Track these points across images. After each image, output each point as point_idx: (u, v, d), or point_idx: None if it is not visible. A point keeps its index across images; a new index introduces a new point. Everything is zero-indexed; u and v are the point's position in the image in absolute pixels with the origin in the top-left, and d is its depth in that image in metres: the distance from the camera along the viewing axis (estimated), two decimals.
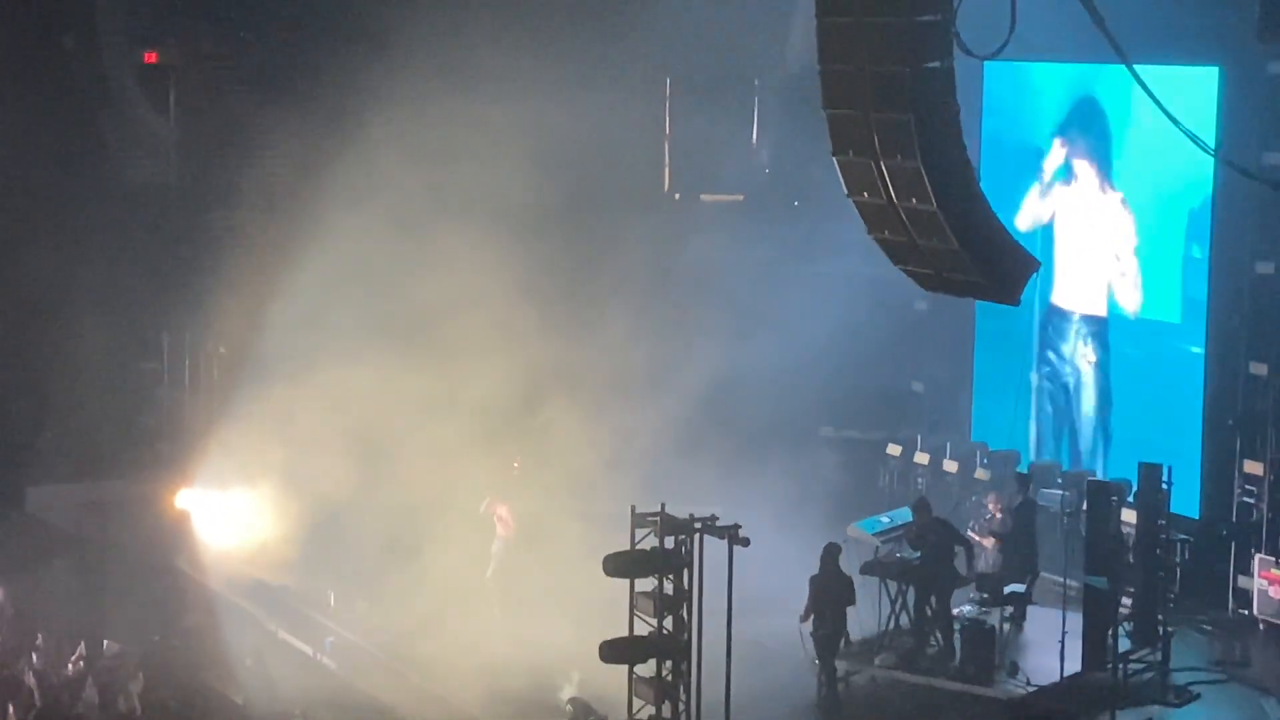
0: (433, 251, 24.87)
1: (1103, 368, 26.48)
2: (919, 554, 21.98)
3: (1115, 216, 25.98)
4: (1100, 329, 26.46)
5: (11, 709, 20.41)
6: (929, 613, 21.88)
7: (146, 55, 32.12)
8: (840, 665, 21.67)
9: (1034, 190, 26.99)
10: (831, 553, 21.36)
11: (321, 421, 25.04)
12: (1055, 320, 27.07)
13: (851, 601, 21.37)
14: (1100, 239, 26.21)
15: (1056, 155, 26.80)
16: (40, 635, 22.72)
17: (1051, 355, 27.17)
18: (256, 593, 25.31)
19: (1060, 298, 26.99)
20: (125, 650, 22.36)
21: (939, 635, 21.74)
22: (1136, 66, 14.54)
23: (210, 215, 29.73)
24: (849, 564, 21.98)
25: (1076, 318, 26.77)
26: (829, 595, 21.26)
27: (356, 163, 25.73)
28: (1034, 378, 27.38)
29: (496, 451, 24.89)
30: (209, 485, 26.52)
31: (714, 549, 18.04)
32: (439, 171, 25.23)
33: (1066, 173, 26.67)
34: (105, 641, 22.65)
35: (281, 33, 30.68)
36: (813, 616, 21.25)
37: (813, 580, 21.28)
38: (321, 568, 24.95)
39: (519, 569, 23.84)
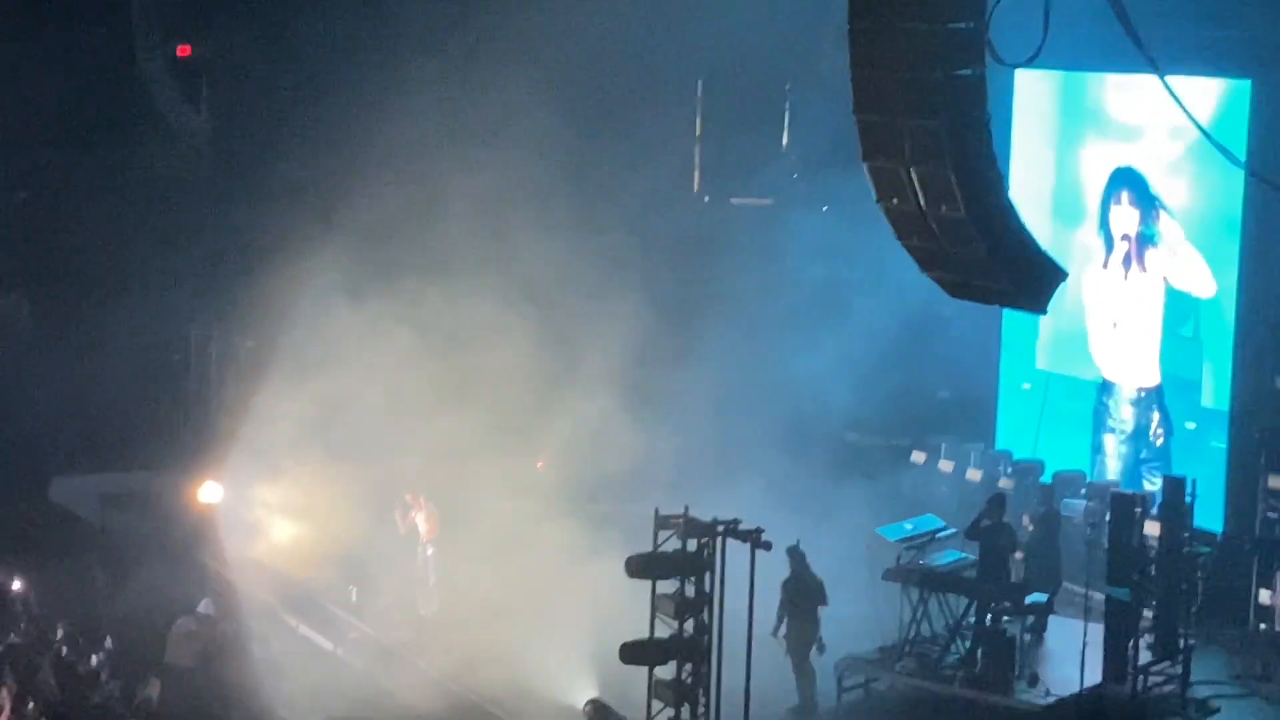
0: (462, 248, 24.91)
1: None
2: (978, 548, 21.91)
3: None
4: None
5: (32, 701, 20.43)
6: (947, 621, 21.81)
7: (180, 49, 32.28)
8: (859, 671, 21.69)
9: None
10: (799, 554, 21.35)
11: (347, 416, 25.07)
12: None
13: (823, 602, 21.31)
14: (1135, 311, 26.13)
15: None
16: (61, 626, 22.76)
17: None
18: (278, 587, 25.35)
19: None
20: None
21: (961, 643, 21.66)
22: (1168, 78, 14.51)
23: (240, 209, 29.77)
24: (872, 570, 21.96)
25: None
26: (802, 597, 21.26)
27: (387, 157, 25.77)
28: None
29: (519, 450, 24.93)
30: (234, 478, 26.56)
31: (736, 552, 18.04)
32: (469, 169, 25.25)
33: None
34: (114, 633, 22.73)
35: (313, 26, 30.76)
36: (786, 619, 21.25)
37: (785, 584, 21.24)
38: (344, 563, 24.97)
39: (530, 572, 23.80)
